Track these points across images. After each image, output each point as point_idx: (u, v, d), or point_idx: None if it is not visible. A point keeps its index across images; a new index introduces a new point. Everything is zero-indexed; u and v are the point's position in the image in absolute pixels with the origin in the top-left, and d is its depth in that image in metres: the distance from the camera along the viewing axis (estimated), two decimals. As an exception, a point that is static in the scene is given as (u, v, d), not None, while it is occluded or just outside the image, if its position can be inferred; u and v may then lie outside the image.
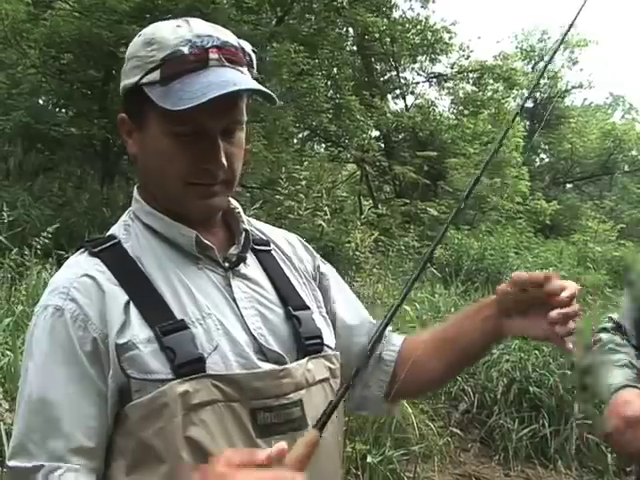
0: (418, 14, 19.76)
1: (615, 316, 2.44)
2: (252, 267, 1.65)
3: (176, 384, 1.39)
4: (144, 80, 1.50)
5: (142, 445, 1.40)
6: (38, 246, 6.72)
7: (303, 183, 10.74)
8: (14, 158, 11.42)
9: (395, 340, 1.86)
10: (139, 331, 1.43)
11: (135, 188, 1.66)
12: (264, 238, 1.75)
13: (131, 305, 1.46)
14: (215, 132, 1.50)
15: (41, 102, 12.56)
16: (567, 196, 29.06)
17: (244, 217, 1.68)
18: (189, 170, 1.51)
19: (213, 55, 1.48)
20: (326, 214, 8.74)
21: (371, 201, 19.05)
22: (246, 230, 1.66)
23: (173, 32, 1.50)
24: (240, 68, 1.53)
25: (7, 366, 4.55)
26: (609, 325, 2.41)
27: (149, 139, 1.53)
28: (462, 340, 1.74)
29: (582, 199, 30.44)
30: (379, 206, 17.91)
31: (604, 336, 2.36)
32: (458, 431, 6.58)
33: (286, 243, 1.81)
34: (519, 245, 16.46)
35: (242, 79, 1.51)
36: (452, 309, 9.22)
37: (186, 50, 1.47)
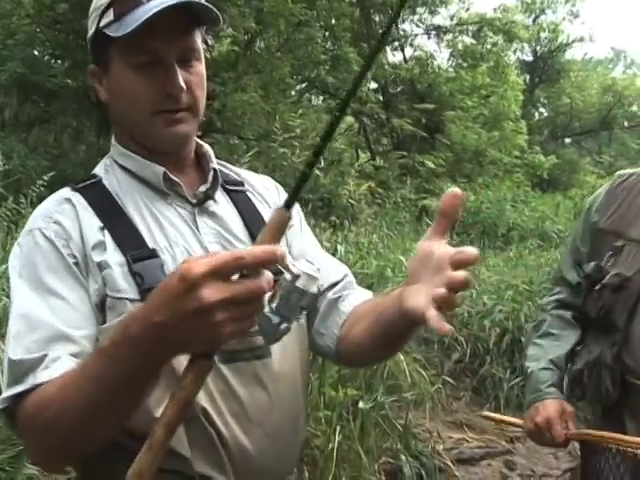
0: (418, -35, 19.58)
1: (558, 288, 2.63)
2: (222, 205, 1.72)
3: None
4: (102, 24, 1.59)
5: None
6: (34, 194, 6.74)
7: (297, 131, 10.72)
8: (9, 109, 11.33)
9: (357, 297, 1.80)
10: (112, 254, 1.52)
11: (113, 134, 1.74)
12: (238, 179, 1.82)
13: (105, 232, 1.55)
14: (171, 59, 1.57)
15: (36, 53, 12.45)
16: (566, 151, 28.99)
17: (213, 158, 1.75)
18: (152, 98, 1.59)
19: None
20: (320, 163, 8.71)
21: (369, 153, 18.98)
22: (215, 169, 1.73)
23: None
24: None
25: (3, 310, 4.59)
26: (554, 299, 2.62)
27: (114, 79, 1.62)
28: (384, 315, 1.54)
29: (581, 154, 30.42)
30: (377, 158, 17.89)
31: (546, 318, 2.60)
32: (450, 380, 6.64)
33: (262, 186, 1.87)
34: (516, 198, 16.46)
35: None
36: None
37: None
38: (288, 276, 1.20)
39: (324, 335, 1.76)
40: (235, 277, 1.10)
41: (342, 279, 1.82)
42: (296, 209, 1.88)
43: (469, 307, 7.44)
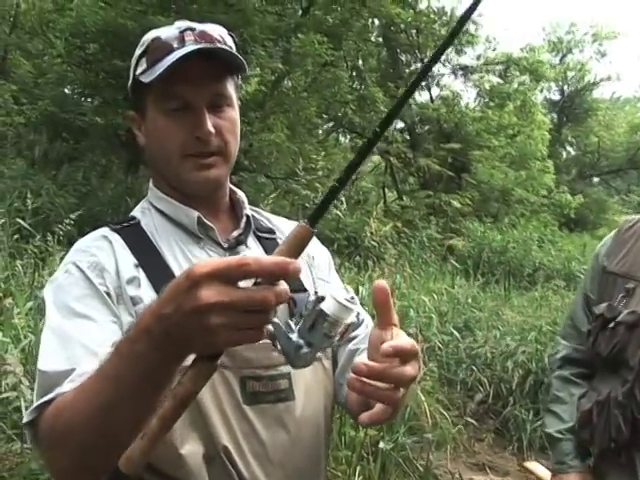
0: (443, 6, 19.75)
1: (563, 342, 2.70)
2: (253, 250, 1.75)
3: None
4: (137, 71, 1.66)
5: None
6: (61, 233, 6.82)
7: (320, 173, 10.76)
8: (39, 147, 11.49)
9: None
10: (145, 290, 1.55)
11: (151, 179, 1.80)
12: (270, 226, 1.85)
13: (140, 270, 1.59)
14: (200, 104, 1.62)
15: (67, 91, 12.61)
16: (593, 190, 28.91)
17: (247, 204, 1.79)
18: (182, 141, 1.63)
19: (189, 37, 1.62)
20: (342, 203, 8.75)
21: (395, 192, 19.03)
22: (247, 215, 1.76)
23: (157, 30, 1.68)
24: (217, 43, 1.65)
25: (29, 348, 4.65)
26: (558, 357, 2.69)
27: (149, 124, 1.68)
28: None
29: (609, 193, 30.28)
30: (403, 198, 17.93)
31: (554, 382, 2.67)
32: (473, 421, 6.61)
33: None
34: (543, 238, 16.40)
35: (211, 47, 1.62)
36: (470, 301, 9.25)
37: (163, 36, 1.63)
38: (312, 297, 1.20)
39: (342, 385, 1.73)
40: (248, 284, 1.07)
41: (363, 330, 1.81)
42: (327, 255, 1.93)
43: (492, 348, 7.42)
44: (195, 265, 1.08)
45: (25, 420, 1.43)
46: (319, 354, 1.65)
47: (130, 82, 1.71)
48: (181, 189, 1.70)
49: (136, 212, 1.76)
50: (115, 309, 1.53)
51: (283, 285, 1.07)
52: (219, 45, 1.63)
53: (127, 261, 1.59)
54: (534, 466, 3.49)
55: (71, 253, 1.64)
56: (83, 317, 1.50)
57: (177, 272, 1.58)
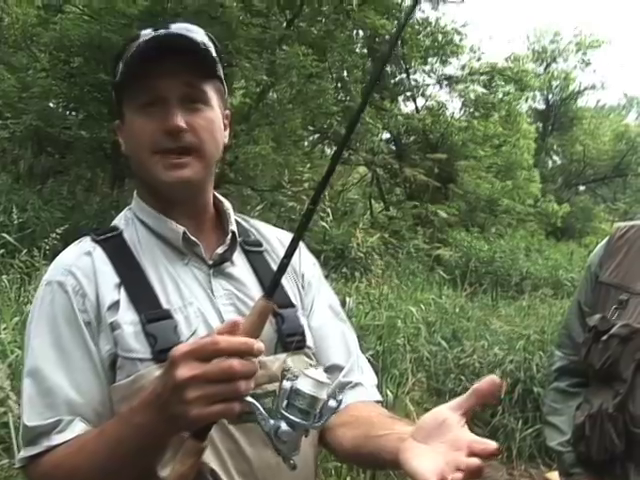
0: (428, 17, 19.78)
1: (558, 353, 2.69)
2: (239, 267, 1.72)
3: (155, 368, 1.47)
4: (117, 77, 1.64)
5: None
6: (47, 247, 6.78)
7: (306, 185, 10.76)
8: (24, 161, 11.46)
9: (356, 395, 1.74)
10: (126, 313, 1.53)
11: (135, 188, 1.76)
12: (257, 239, 1.81)
13: (122, 289, 1.56)
14: (171, 96, 1.58)
15: (51, 105, 12.58)
16: (580, 198, 29.03)
17: (233, 219, 1.75)
18: (151, 137, 1.59)
19: (160, 32, 1.60)
20: (328, 215, 8.76)
21: (382, 204, 19.05)
22: (233, 232, 1.72)
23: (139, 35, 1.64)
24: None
25: (16, 362, 4.62)
26: (554, 369, 2.68)
27: (127, 125, 1.65)
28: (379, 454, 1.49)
29: (595, 201, 30.39)
30: (390, 208, 17.95)
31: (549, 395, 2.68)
32: (462, 430, 6.59)
33: (278, 243, 1.84)
34: (530, 247, 16.45)
35: (178, 34, 1.61)
36: (458, 310, 9.25)
37: (141, 38, 1.60)
38: (286, 380, 1.31)
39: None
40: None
41: (346, 365, 1.77)
42: (314, 264, 1.90)
43: (480, 357, 7.42)
44: (175, 348, 1.25)
45: (17, 466, 1.54)
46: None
47: (113, 91, 1.69)
48: (159, 192, 1.64)
49: (119, 221, 1.72)
50: (94, 341, 1.53)
51: (250, 360, 1.25)
52: (191, 35, 1.61)
53: (108, 282, 1.57)
54: (555, 476, 3.46)
55: (54, 269, 1.62)
56: (65, 354, 1.52)
57: (159, 289, 1.58)
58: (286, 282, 1.75)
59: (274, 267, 1.71)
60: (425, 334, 7.83)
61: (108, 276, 1.57)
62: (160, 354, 1.47)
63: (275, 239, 1.85)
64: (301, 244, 1.90)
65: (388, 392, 5.62)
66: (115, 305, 1.54)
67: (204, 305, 1.61)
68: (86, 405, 1.49)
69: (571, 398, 2.54)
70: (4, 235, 7.54)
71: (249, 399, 1.30)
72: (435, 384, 7.23)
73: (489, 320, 8.89)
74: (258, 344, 1.24)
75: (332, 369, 1.72)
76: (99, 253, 1.61)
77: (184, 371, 1.21)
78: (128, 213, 1.73)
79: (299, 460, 1.61)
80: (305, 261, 1.87)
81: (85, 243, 1.65)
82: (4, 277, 6.33)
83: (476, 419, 6.92)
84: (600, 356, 2.30)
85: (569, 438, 2.47)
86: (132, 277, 1.58)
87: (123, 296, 1.55)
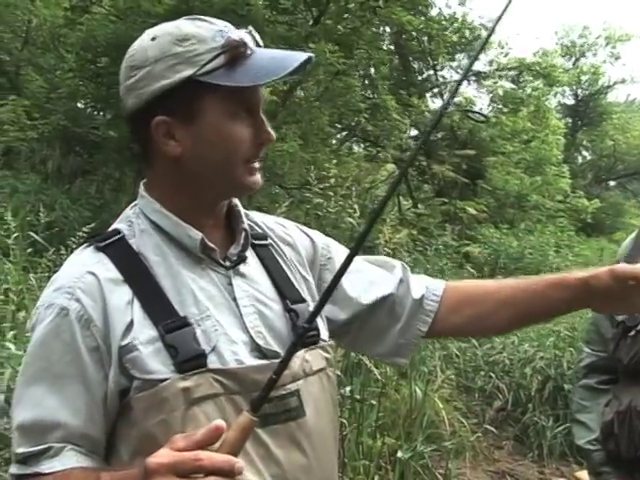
0: (455, 12, 19.70)
1: (587, 350, 2.66)
2: (252, 264, 1.68)
3: (178, 379, 1.44)
4: (203, 70, 1.50)
5: (145, 434, 1.44)
6: (74, 246, 6.79)
7: (332, 181, 10.73)
8: (53, 161, 11.51)
9: (436, 288, 1.90)
10: (141, 331, 1.47)
11: (142, 184, 1.66)
12: (261, 232, 1.77)
13: (135, 302, 1.49)
14: (258, 108, 1.58)
15: (79, 105, 12.67)
16: (610, 194, 28.82)
17: (244, 215, 1.71)
18: (249, 147, 1.57)
19: (248, 40, 1.56)
20: (355, 212, 8.71)
21: (410, 200, 18.98)
22: (245, 229, 1.68)
23: (197, 27, 1.55)
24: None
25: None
26: (583, 365, 2.68)
27: (206, 129, 1.53)
28: (538, 303, 1.82)
29: (625, 196, 30.16)
30: (418, 205, 17.88)
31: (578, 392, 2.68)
32: (492, 428, 6.56)
33: (282, 232, 1.83)
34: (559, 243, 16.33)
35: (286, 53, 1.63)
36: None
37: (232, 37, 1.53)
38: None
39: (407, 335, 1.87)
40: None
41: (400, 278, 1.90)
42: (311, 241, 1.88)
43: (510, 354, 7.37)
44: (153, 456, 1.23)
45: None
46: (323, 364, 1.67)
47: (170, 82, 1.49)
48: (216, 196, 1.62)
49: (120, 224, 1.62)
50: (100, 365, 1.47)
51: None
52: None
53: (117, 301, 1.48)
54: (584, 476, 3.42)
55: (56, 290, 1.51)
56: (61, 381, 1.47)
57: (173, 296, 1.52)
58: (291, 275, 1.73)
59: (279, 259, 1.75)
60: (454, 331, 7.78)
61: (117, 295, 1.49)
62: (182, 365, 1.45)
63: (273, 225, 1.83)
64: (301, 227, 1.92)
65: (417, 389, 5.58)
66: (129, 327, 1.47)
67: (224, 313, 1.56)
68: (78, 430, 1.46)
69: (600, 395, 2.50)
70: (32, 234, 7.56)
71: None
72: (464, 381, 7.20)
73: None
74: (239, 464, 1.23)
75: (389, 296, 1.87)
76: (105, 264, 1.52)
77: None
78: (131, 213, 1.63)
79: (324, 450, 1.65)
80: (302, 244, 1.85)
81: (88, 256, 1.56)
82: (32, 275, 6.34)
83: (507, 418, 6.89)
84: (628, 351, 2.27)
85: (598, 436, 2.43)
86: (144, 287, 1.51)
87: (137, 312, 1.48)
